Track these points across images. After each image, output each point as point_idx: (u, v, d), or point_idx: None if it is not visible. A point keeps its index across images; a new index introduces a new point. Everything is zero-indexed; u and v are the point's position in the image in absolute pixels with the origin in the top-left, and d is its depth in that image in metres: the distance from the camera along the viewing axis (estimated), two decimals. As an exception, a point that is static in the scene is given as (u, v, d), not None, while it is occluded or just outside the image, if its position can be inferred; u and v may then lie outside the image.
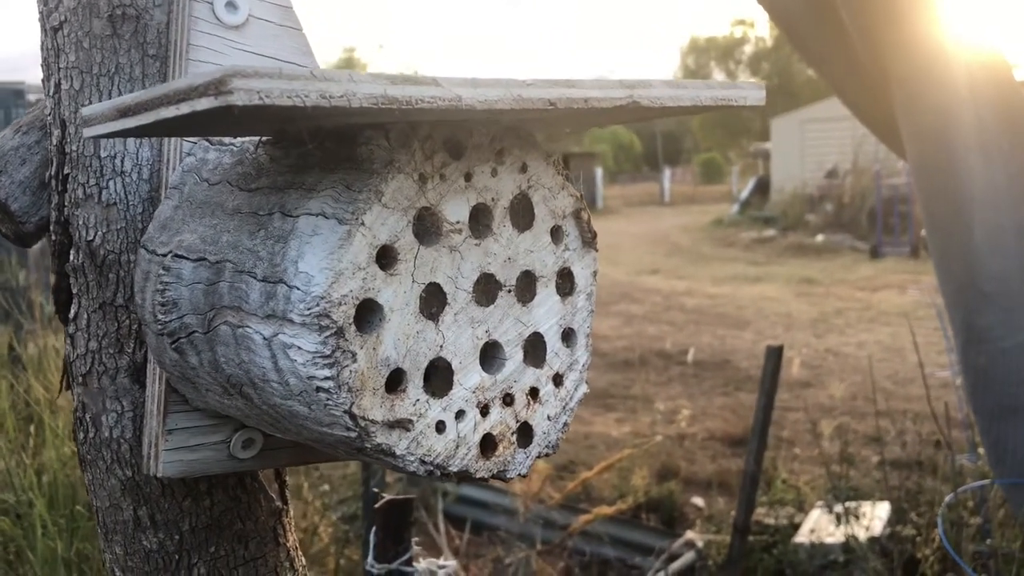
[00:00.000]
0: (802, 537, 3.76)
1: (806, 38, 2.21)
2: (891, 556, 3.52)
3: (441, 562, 1.71)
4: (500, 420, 0.72)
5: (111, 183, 0.79)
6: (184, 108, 0.52)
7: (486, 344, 0.71)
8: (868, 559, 3.47)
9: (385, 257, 0.64)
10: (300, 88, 0.51)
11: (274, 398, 0.66)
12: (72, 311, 0.81)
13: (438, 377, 0.69)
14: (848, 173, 15.89)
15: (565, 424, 0.77)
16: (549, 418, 0.76)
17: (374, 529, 1.67)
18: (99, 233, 0.79)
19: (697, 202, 26.01)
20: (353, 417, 0.63)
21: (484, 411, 0.71)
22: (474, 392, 0.70)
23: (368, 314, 0.64)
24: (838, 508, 3.60)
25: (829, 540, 3.64)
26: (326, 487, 3.81)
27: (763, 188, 20.28)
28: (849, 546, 3.46)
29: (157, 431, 0.77)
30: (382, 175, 0.63)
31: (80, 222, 0.80)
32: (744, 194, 20.87)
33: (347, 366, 0.62)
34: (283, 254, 0.63)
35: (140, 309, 0.74)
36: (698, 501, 4.80)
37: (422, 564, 1.69)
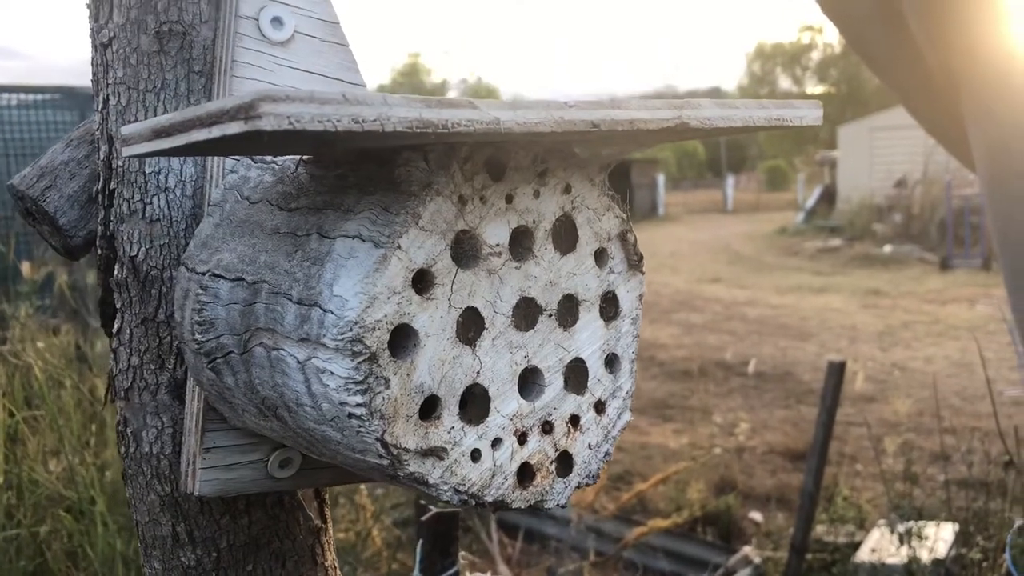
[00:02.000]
0: (863, 556, 3.66)
1: (871, 45, 2.15)
2: (956, 580, 3.41)
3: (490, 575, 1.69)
4: (538, 449, 0.70)
5: (155, 199, 0.79)
6: (216, 131, 0.51)
7: (525, 370, 0.69)
8: (931, 582, 3.37)
9: (421, 281, 0.63)
10: (332, 112, 0.50)
11: (308, 422, 0.65)
12: (116, 325, 0.81)
13: (474, 404, 0.67)
14: (918, 183, 15.54)
15: (607, 453, 0.74)
16: (590, 447, 0.74)
17: (420, 542, 1.66)
18: (142, 248, 0.79)
19: (761, 210, 25.69)
20: (385, 445, 0.61)
21: (522, 439, 0.69)
22: (511, 420, 0.68)
23: (403, 339, 0.63)
24: (901, 528, 3.51)
25: (891, 560, 3.55)
26: (380, 491, 3.83)
27: (829, 197, 19.94)
28: (911, 568, 3.36)
29: (195, 449, 0.77)
30: (420, 197, 0.62)
31: (124, 237, 0.80)
32: (810, 203, 20.56)
33: (380, 392, 0.61)
34: (319, 276, 0.62)
35: (179, 327, 0.74)
36: (756, 516, 4.72)
37: (469, 578, 1.67)
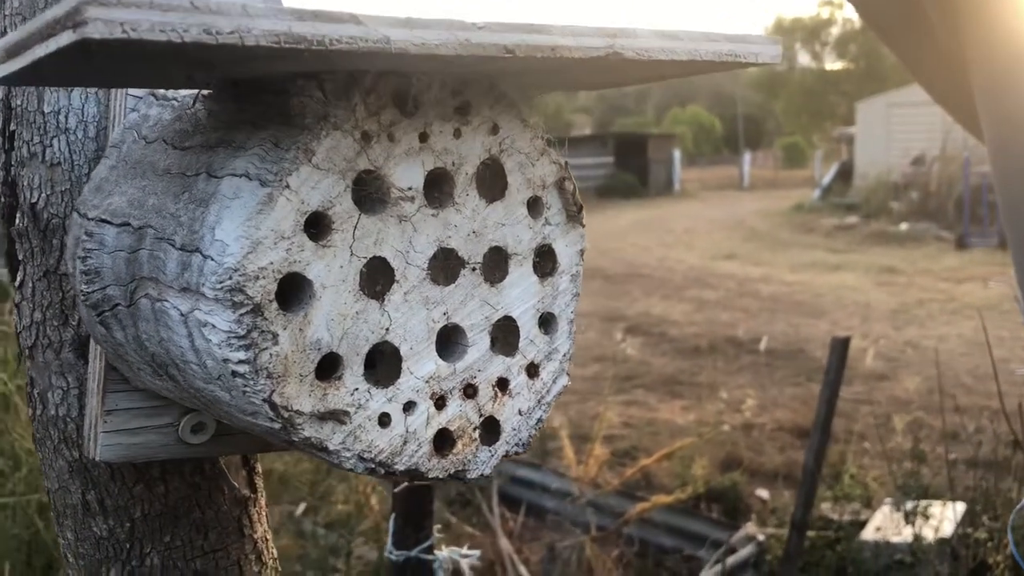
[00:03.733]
0: (868, 535, 3.60)
1: (883, 18, 2.06)
2: (961, 559, 3.35)
3: (465, 551, 1.64)
4: (460, 414, 0.64)
5: (55, 141, 0.73)
6: (52, 45, 0.44)
7: (445, 328, 0.63)
8: (936, 561, 3.31)
9: (317, 226, 0.56)
10: (177, 21, 0.43)
11: (197, 381, 0.59)
12: (18, 278, 0.75)
13: (384, 364, 0.61)
14: (935, 160, 15.33)
15: (540, 420, 0.68)
16: (521, 413, 0.67)
17: (392, 516, 1.61)
18: (43, 195, 0.73)
19: (778, 187, 25.45)
20: (274, 407, 0.55)
21: (440, 403, 0.63)
22: (428, 382, 0.62)
23: (295, 290, 0.56)
24: (907, 506, 3.44)
25: (896, 539, 3.48)
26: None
27: (846, 174, 19.73)
28: (916, 547, 3.30)
29: (96, 411, 0.71)
30: (314, 131, 0.55)
31: (25, 183, 0.74)
32: (826, 180, 20.35)
33: (266, 348, 0.54)
34: (202, 219, 0.56)
35: (72, 278, 0.67)
36: (763, 493, 4.67)
37: (444, 552, 1.62)
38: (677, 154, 24.63)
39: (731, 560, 3.55)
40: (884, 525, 3.60)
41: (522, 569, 3.74)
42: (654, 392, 6.21)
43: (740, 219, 17.19)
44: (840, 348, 3.01)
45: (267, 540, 0.85)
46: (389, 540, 1.60)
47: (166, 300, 0.58)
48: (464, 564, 1.63)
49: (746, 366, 6.75)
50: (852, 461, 4.62)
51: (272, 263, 0.54)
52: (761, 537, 3.81)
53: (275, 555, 0.86)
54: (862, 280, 10.21)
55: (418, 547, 1.58)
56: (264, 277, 0.54)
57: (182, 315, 0.57)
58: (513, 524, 4.06)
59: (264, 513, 0.86)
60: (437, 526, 1.60)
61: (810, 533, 3.56)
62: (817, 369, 6.40)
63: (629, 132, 29.66)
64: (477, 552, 1.62)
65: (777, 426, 5.52)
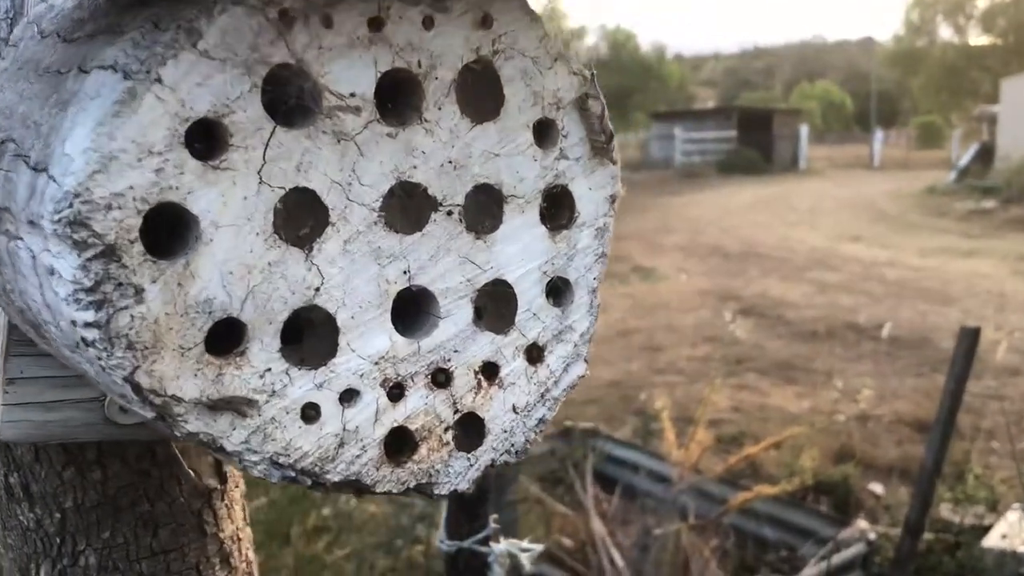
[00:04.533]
0: (991, 541, 3.30)
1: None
2: (1100, 577, 3.03)
3: (525, 544, 1.47)
4: (425, 408, 0.47)
5: (-36, 42, 0.59)
6: None
7: (406, 293, 0.46)
8: (1069, 578, 3.00)
9: (207, 139, 0.40)
10: None
11: (63, 349, 0.44)
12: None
13: (314, 338, 0.44)
14: (1088, 141, 14.26)
15: (542, 421, 0.51)
16: (515, 409, 0.50)
17: (447, 502, 1.46)
18: (-51, 108, 0.59)
19: (910, 168, 24.24)
20: (139, 389, 0.39)
21: (396, 393, 0.46)
22: (377, 364, 0.45)
23: (177, 229, 0.40)
24: (1039, 513, 3.12)
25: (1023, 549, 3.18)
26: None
27: (986, 155, 18.63)
28: (1047, 560, 2.99)
29: (-1, 380, 0.57)
30: (204, 5, 0.39)
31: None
32: (963, 161, 19.26)
33: (125, 308, 0.39)
34: (59, 128, 0.40)
35: None
36: (877, 488, 4.37)
37: (501, 545, 1.46)
38: (804, 130, 23.67)
39: (837, 558, 3.30)
40: (1011, 532, 3.29)
41: (615, 553, 3.58)
42: (766, 376, 5.93)
43: (868, 200, 16.42)
44: (969, 338, 2.71)
45: (239, 540, 0.71)
46: (441, 528, 1.45)
47: (19, 238, 0.43)
48: (524, 559, 1.47)
49: (866, 353, 6.38)
50: (977, 460, 4.28)
51: (133, 188, 0.38)
52: (872, 535, 3.54)
53: (250, 558, 0.72)
54: (998, 268, 9.57)
55: (472, 537, 1.42)
56: (120, 207, 0.38)
57: (33, 258, 0.41)
58: (607, 506, 3.90)
59: (239, 507, 0.71)
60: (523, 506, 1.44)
61: (926, 535, 3.28)
62: (943, 360, 5.98)
63: (754, 107, 28.70)
64: (539, 547, 1.45)
65: (896, 418, 5.18)
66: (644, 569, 3.36)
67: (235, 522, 0.71)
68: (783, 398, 5.60)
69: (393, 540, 3.11)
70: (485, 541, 1.45)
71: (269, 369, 0.43)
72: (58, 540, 0.64)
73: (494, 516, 1.47)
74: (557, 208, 0.51)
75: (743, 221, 12.86)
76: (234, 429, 0.42)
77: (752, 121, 22.36)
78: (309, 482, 0.44)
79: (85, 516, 0.64)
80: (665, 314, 7.23)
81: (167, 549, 0.66)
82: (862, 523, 3.75)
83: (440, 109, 0.46)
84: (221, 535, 0.69)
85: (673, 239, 10.26)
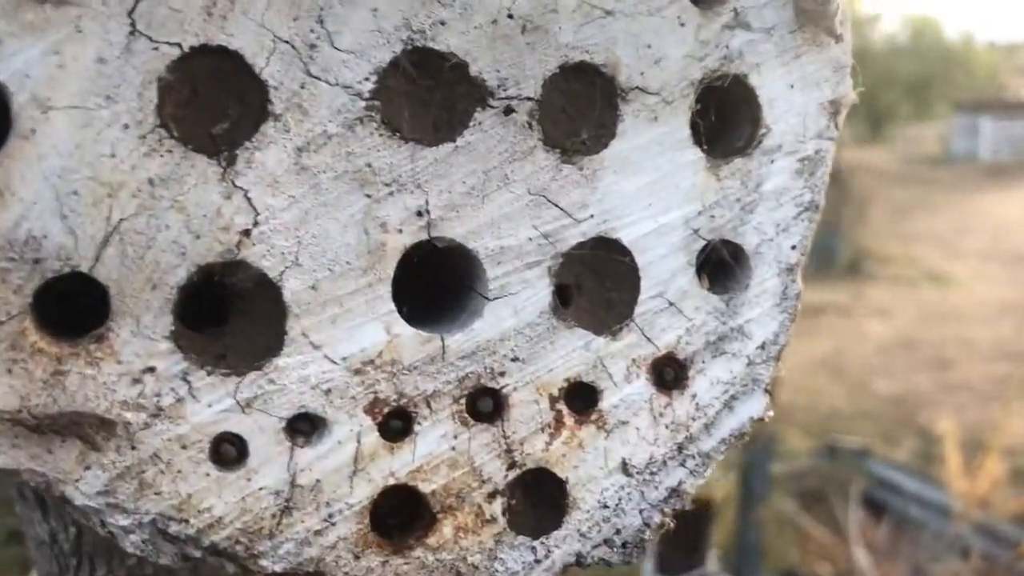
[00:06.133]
0: None
1: None
2: None
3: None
4: (451, 455, 0.27)
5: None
6: None
7: (419, 248, 0.26)
8: None
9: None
10: None
11: None
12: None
13: (244, 321, 0.25)
14: None
15: (677, 492, 0.29)
16: (628, 468, 0.29)
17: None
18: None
19: None
20: None
21: (396, 426, 0.26)
22: (360, 372, 0.26)
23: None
24: None
25: None
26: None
27: None
28: None
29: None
30: None
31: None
32: None
33: None
34: None
35: None
36: None
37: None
38: None
39: None
40: None
41: (881, 588, 3.23)
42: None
43: None
44: None
45: None
46: (650, 561, 1.23)
47: None
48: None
49: None
50: None
51: None
52: None
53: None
54: None
55: (686, 574, 1.20)
56: None
57: None
58: (873, 534, 3.52)
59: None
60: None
61: None
62: None
63: (1081, 100, 25.59)
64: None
65: None
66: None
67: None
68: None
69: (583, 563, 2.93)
70: (703, 580, 1.22)
71: (151, 369, 0.24)
72: (74, 560, 0.50)
73: (714, 550, 1.24)
74: (726, 117, 0.29)
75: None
76: (85, 469, 0.24)
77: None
78: (229, 569, 0.25)
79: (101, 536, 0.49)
80: (958, 325, 6.51)
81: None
82: None
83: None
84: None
85: (972, 242, 9.28)
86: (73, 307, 0.24)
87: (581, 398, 0.28)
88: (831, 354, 5.35)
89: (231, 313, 0.25)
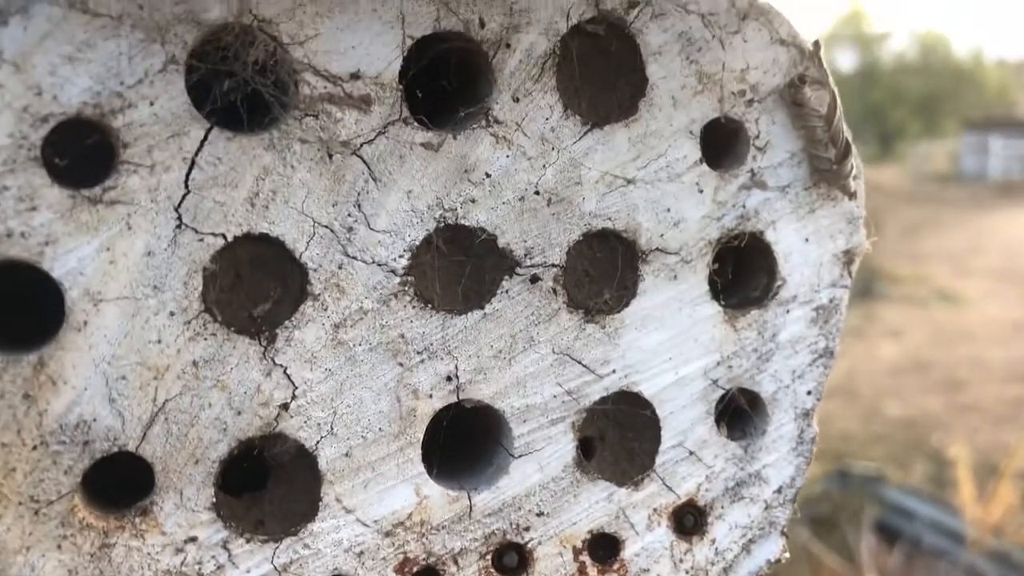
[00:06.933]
0: None
1: None
2: None
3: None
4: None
5: None
6: None
7: (447, 412, 0.27)
8: None
9: (84, 153, 0.23)
10: None
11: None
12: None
13: (282, 487, 0.26)
14: None
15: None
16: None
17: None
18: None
19: None
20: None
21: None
22: (391, 534, 0.27)
23: (27, 307, 0.24)
24: None
25: None
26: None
27: None
28: None
29: None
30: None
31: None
32: None
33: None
34: None
35: None
36: None
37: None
38: None
39: None
40: None
41: (892, 616, 3.21)
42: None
43: None
44: None
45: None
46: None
47: None
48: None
49: None
50: None
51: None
52: None
53: None
54: None
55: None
56: None
57: None
58: (885, 561, 3.50)
59: None
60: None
61: None
62: None
63: (1092, 116, 25.50)
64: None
65: None
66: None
67: None
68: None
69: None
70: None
71: (193, 539, 0.25)
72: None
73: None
74: (742, 267, 0.30)
75: (1072, 245, 11.41)
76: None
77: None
78: None
79: None
80: (970, 346, 6.47)
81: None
82: None
83: (522, 101, 0.26)
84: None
85: (984, 261, 9.23)
86: (115, 466, 0.25)
87: (603, 548, 0.29)
88: (843, 376, 5.32)
89: (269, 479, 0.27)
